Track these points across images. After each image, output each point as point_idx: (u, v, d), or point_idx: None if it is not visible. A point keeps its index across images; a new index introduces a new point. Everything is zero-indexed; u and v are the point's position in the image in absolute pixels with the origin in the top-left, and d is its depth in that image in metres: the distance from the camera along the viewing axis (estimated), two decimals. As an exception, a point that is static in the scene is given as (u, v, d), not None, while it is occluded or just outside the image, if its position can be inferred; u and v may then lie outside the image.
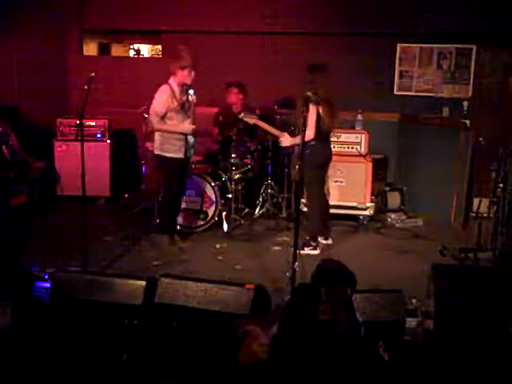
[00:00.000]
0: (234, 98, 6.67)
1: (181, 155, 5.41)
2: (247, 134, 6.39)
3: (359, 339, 3.00)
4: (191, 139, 5.53)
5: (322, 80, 5.64)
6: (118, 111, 6.46)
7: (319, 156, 5.57)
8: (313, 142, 5.45)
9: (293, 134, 5.75)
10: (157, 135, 5.46)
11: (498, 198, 5.24)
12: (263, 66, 7.45)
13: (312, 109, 5.42)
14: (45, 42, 7.57)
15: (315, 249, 5.61)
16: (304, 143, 5.39)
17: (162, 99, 5.31)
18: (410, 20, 7.13)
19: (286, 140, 5.68)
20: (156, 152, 5.51)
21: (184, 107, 5.43)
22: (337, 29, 7.31)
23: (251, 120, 6.01)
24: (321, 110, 5.44)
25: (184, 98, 5.42)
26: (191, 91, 5.43)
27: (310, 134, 5.39)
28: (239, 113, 6.16)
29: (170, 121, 5.38)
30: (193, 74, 5.37)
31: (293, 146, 5.92)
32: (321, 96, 5.43)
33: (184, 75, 5.34)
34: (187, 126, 5.43)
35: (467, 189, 6.52)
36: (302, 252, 5.49)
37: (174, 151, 5.41)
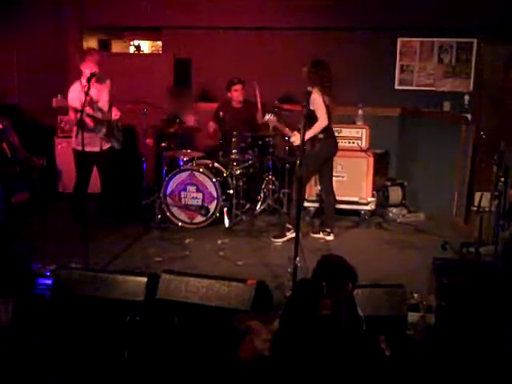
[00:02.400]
0: (237, 95, 6.66)
1: (95, 149, 5.70)
2: (248, 128, 6.40)
3: (361, 334, 3.00)
4: (100, 131, 5.76)
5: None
6: (118, 107, 6.43)
7: (329, 149, 5.73)
8: (321, 136, 5.53)
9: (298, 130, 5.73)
10: (74, 130, 5.68)
11: (499, 192, 5.23)
12: (264, 61, 7.44)
13: (318, 95, 5.45)
14: (45, 38, 7.56)
15: (329, 235, 5.85)
16: (312, 139, 5.46)
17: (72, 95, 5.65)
18: (410, 14, 7.11)
19: (297, 138, 5.68)
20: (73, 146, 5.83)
21: (97, 102, 5.74)
22: (337, 23, 7.30)
23: (273, 124, 6.02)
24: (325, 97, 5.51)
25: (94, 96, 5.71)
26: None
27: (323, 120, 5.54)
28: (264, 114, 6.11)
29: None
30: (95, 68, 5.58)
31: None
32: (322, 83, 5.48)
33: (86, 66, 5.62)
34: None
35: (468, 183, 6.50)
36: (315, 236, 5.89)
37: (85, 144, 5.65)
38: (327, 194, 5.97)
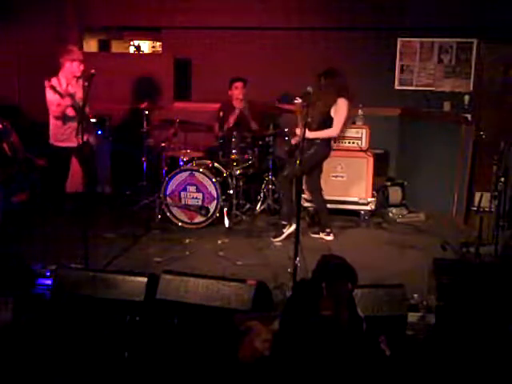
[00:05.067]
0: (238, 92, 6.66)
1: (71, 144, 5.65)
2: (247, 128, 6.40)
3: (361, 334, 3.00)
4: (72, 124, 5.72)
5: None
6: (119, 107, 6.45)
7: (324, 154, 5.74)
8: (318, 140, 5.54)
9: (309, 127, 5.51)
10: (51, 125, 5.75)
11: (499, 192, 5.24)
12: (264, 61, 7.44)
13: (343, 103, 5.51)
14: (45, 39, 7.55)
15: (328, 235, 5.83)
16: (309, 140, 5.45)
17: (50, 92, 5.64)
18: (410, 14, 7.11)
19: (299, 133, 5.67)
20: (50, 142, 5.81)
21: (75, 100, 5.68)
22: (337, 23, 7.30)
23: (299, 109, 5.86)
24: (350, 107, 5.59)
25: (71, 90, 5.66)
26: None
27: (335, 132, 5.59)
28: (293, 134, 6.01)
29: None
30: (81, 67, 5.67)
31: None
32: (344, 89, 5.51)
33: (73, 68, 5.67)
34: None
35: (468, 183, 6.50)
36: (315, 236, 5.85)
37: (63, 140, 5.74)
38: (314, 195, 5.94)
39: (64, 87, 5.63)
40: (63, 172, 5.92)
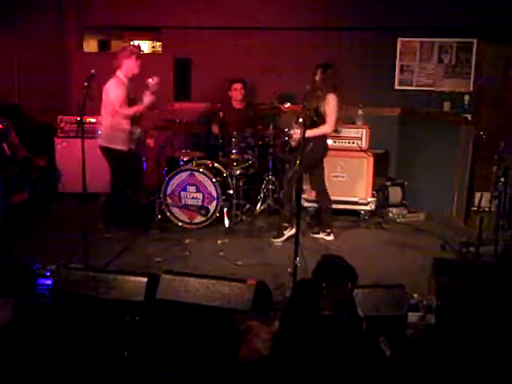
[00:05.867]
0: (237, 94, 6.66)
1: (126, 147, 5.64)
2: (247, 128, 6.39)
3: (361, 334, 3.00)
4: (136, 134, 5.72)
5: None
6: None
7: (322, 149, 5.74)
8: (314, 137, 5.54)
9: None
10: (104, 127, 5.65)
11: (499, 192, 5.24)
12: (264, 61, 7.44)
13: (334, 100, 5.48)
14: (45, 39, 7.55)
15: (329, 235, 5.85)
16: (306, 138, 5.46)
17: (120, 91, 5.53)
18: (410, 14, 7.11)
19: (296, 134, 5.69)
20: (103, 144, 5.68)
21: (134, 101, 5.66)
22: (337, 23, 7.30)
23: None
24: (339, 101, 5.56)
25: (132, 94, 5.65)
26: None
27: (330, 127, 5.59)
28: (289, 136, 5.97)
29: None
30: (139, 62, 5.61)
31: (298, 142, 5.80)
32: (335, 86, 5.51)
33: (133, 63, 5.59)
34: (147, 98, 5.61)
35: (468, 183, 6.50)
36: (315, 236, 5.87)
37: (121, 143, 5.63)
38: (321, 195, 5.97)
39: (128, 84, 5.61)
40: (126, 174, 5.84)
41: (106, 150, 5.69)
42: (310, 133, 5.51)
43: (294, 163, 4.79)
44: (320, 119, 5.55)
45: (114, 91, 5.54)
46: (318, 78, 5.58)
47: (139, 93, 5.67)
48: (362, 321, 3.05)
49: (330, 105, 5.53)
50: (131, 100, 5.63)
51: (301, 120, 5.61)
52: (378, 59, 7.32)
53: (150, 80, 5.59)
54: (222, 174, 6.32)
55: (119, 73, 5.61)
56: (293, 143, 5.81)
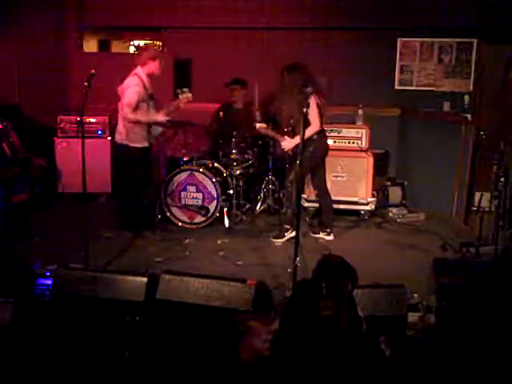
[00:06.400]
0: (236, 94, 6.66)
1: (146, 144, 5.61)
2: (247, 129, 6.40)
3: (360, 334, 3.00)
4: (157, 130, 5.68)
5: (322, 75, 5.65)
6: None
7: (323, 148, 5.75)
8: (315, 137, 5.54)
9: (292, 135, 5.71)
10: (121, 126, 5.58)
11: (499, 192, 5.24)
12: (264, 62, 7.43)
13: (313, 100, 5.45)
14: (45, 39, 7.56)
15: (329, 235, 5.86)
16: (306, 139, 5.47)
17: (134, 91, 5.43)
18: (410, 14, 7.11)
19: (288, 144, 5.69)
20: (120, 141, 5.63)
21: (152, 97, 5.57)
22: (337, 23, 7.29)
23: (263, 131, 6.01)
24: (319, 99, 5.51)
25: (151, 89, 5.56)
26: (186, 89, 5.60)
27: (316, 125, 5.55)
28: (254, 125, 6.07)
29: (138, 110, 5.50)
30: (163, 63, 5.60)
31: (295, 147, 5.76)
32: (314, 84, 5.45)
33: (155, 66, 5.54)
34: (161, 116, 5.56)
35: (468, 183, 6.51)
36: (315, 236, 5.89)
37: (139, 141, 5.57)
38: (322, 195, 5.98)
39: (148, 86, 5.57)
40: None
41: (124, 148, 5.64)
42: (295, 141, 5.54)
43: (295, 165, 4.79)
44: (307, 122, 5.53)
45: (128, 95, 5.45)
46: (287, 77, 5.55)
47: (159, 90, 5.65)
48: (362, 321, 3.04)
49: (311, 108, 5.42)
50: (149, 96, 5.57)
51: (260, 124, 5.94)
52: (378, 59, 7.31)
53: (183, 95, 5.59)
54: (222, 174, 6.32)
55: (139, 70, 5.56)
56: (290, 152, 5.80)
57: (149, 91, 5.55)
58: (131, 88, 5.46)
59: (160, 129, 5.75)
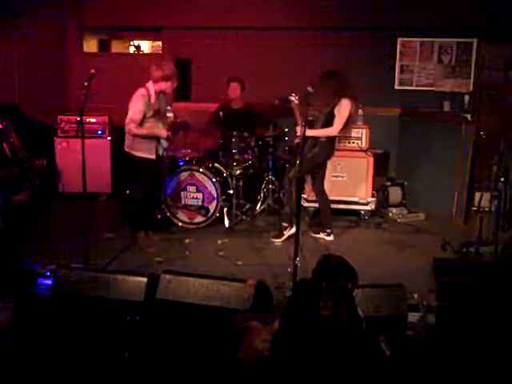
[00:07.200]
0: (234, 92, 6.66)
1: (151, 156, 5.50)
2: (247, 129, 6.40)
3: (361, 334, 3.00)
4: (165, 143, 5.61)
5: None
6: (119, 107, 6.43)
7: (327, 154, 5.76)
8: (323, 139, 5.56)
9: (309, 127, 5.53)
10: (127, 135, 5.51)
11: (499, 192, 5.24)
12: (264, 61, 7.44)
13: (346, 103, 5.52)
14: (45, 39, 7.56)
15: (329, 235, 5.86)
16: (314, 138, 5.47)
17: (139, 107, 5.35)
18: (410, 14, 7.11)
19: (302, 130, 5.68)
20: (126, 149, 5.55)
21: (159, 113, 5.48)
22: (337, 23, 7.29)
23: (294, 105, 5.80)
24: (353, 107, 5.58)
25: (158, 105, 5.46)
26: (170, 114, 5.57)
27: (335, 130, 5.59)
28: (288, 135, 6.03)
29: (146, 123, 5.42)
30: (175, 84, 5.50)
31: (298, 145, 5.77)
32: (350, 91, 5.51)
33: (167, 86, 5.44)
34: (163, 132, 5.50)
35: (468, 183, 6.50)
36: (316, 236, 5.89)
37: (144, 151, 5.48)
38: (320, 195, 5.98)
39: (153, 102, 5.44)
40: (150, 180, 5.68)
41: (129, 156, 5.58)
42: (314, 133, 5.53)
43: (295, 163, 4.78)
44: (331, 122, 5.55)
45: (133, 107, 5.38)
46: (322, 83, 5.53)
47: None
48: (362, 321, 3.04)
49: (342, 109, 5.54)
50: (155, 112, 5.45)
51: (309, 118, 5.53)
52: (378, 59, 7.31)
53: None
54: (222, 174, 6.32)
55: (150, 85, 5.43)
56: (296, 141, 5.79)
57: (155, 107, 5.44)
58: (137, 102, 5.37)
59: (165, 143, 5.66)
